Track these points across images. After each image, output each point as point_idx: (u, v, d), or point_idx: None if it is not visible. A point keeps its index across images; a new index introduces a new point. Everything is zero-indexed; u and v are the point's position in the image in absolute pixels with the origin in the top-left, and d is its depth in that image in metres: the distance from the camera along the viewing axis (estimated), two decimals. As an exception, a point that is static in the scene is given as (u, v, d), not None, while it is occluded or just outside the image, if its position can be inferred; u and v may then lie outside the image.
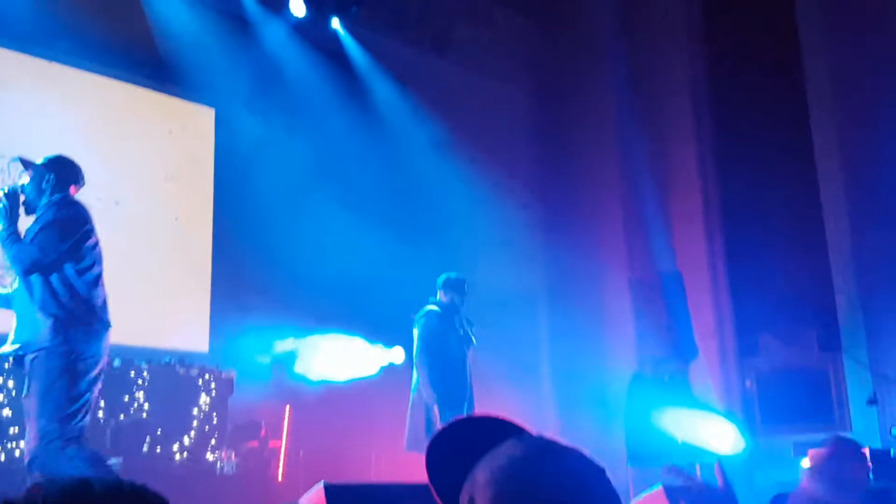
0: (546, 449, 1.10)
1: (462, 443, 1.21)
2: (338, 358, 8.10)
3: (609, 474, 1.11)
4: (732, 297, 8.78)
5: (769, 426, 8.29)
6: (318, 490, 3.27)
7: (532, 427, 1.26)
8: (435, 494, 1.23)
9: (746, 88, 9.04)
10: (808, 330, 8.22)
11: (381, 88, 9.02)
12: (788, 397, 8.27)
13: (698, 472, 6.82)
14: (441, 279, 6.41)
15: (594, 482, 1.07)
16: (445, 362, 6.14)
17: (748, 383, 8.55)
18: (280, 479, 7.19)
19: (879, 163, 7.92)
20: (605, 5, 9.54)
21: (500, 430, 1.21)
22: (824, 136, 8.43)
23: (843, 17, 8.35)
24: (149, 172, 8.16)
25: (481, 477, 1.08)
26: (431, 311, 6.28)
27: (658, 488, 4.62)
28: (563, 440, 1.12)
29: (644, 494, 4.68)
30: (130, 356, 6.39)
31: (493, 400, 8.07)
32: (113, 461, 5.64)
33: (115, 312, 6.68)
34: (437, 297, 6.39)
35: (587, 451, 1.12)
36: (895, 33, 7.96)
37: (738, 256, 8.86)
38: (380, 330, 8.48)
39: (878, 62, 8.08)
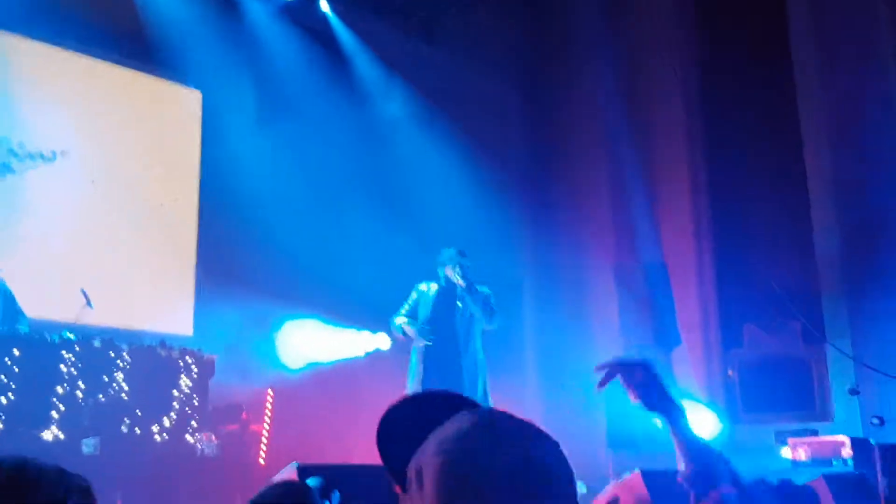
0: (495, 420, 1.08)
1: (415, 417, 1.19)
2: (322, 343, 8.10)
3: (565, 450, 1.09)
4: (717, 288, 8.78)
5: (751, 415, 8.32)
6: (290, 470, 3.27)
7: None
8: (384, 463, 1.22)
9: (736, 80, 9.02)
10: (793, 321, 8.23)
11: (369, 72, 8.98)
12: (771, 387, 8.29)
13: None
14: None
15: (545, 454, 1.05)
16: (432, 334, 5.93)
17: (730, 372, 8.56)
18: (262, 462, 7.19)
19: (867, 157, 7.93)
20: (592, -1, 9.51)
21: (454, 405, 1.19)
22: (813, 129, 8.42)
23: (833, 10, 8.34)
24: (134, 153, 8.12)
25: (429, 448, 1.06)
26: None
27: (635, 472, 4.63)
28: (517, 413, 1.10)
29: (621, 479, 4.70)
30: (111, 337, 6.37)
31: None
32: (91, 441, 5.64)
33: (95, 293, 6.70)
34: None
35: (540, 425, 1.10)
36: (884, 27, 7.95)
37: (725, 247, 8.86)
38: (366, 316, 8.46)
39: (867, 54, 8.07)
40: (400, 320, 6.09)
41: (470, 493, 1.01)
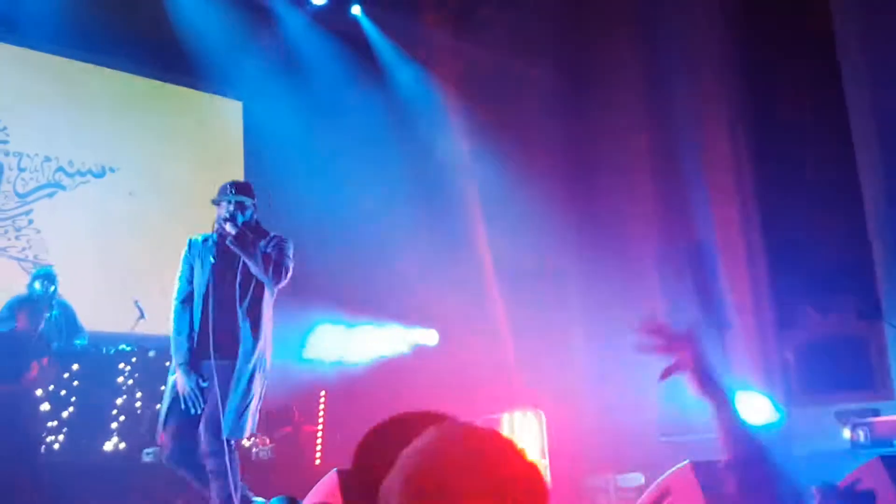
0: (457, 433, 1.11)
1: (390, 440, 1.23)
2: (369, 340, 8.19)
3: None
4: (769, 268, 8.61)
5: (809, 397, 8.15)
6: (330, 476, 3.32)
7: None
8: (362, 492, 1.26)
9: (780, 56, 8.82)
10: (847, 299, 8.04)
11: (405, 72, 9.01)
12: (829, 367, 8.11)
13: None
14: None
15: (507, 465, 1.08)
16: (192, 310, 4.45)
17: (787, 354, 8.41)
18: (319, 462, 7.31)
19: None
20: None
21: (426, 422, 1.23)
22: (859, 101, 8.19)
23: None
24: (180, 166, 8.29)
25: (395, 468, 1.10)
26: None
27: (686, 463, 4.59)
28: (483, 426, 1.12)
29: (672, 471, 4.66)
30: (165, 346, 6.52)
31: (528, 375, 8.09)
32: (151, 450, 5.81)
33: (149, 304, 6.88)
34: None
35: (504, 434, 1.13)
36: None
37: (774, 225, 8.68)
38: (413, 313, 8.54)
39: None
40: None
41: None
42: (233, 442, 4.27)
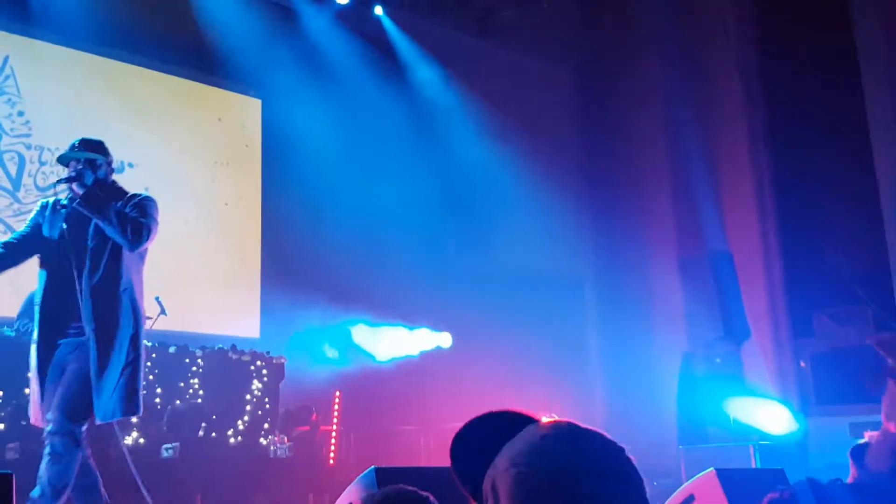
0: (564, 431, 1.12)
1: (485, 435, 1.25)
2: (384, 341, 8.20)
3: (630, 453, 1.13)
4: (785, 277, 8.61)
5: (824, 407, 8.14)
6: (368, 474, 3.31)
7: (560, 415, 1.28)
8: (458, 483, 1.27)
9: (798, 62, 8.81)
10: (864, 309, 8.03)
11: (425, 73, 9.03)
12: (844, 377, 8.10)
13: (752, 455, 6.74)
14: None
15: (613, 461, 1.09)
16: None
17: (802, 364, 8.40)
18: (332, 462, 7.31)
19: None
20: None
21: (522, 421, 1.24)
22: (879, 109, 8.19)
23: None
24: (198, 162, 8.30)
25: (502, 462, 1.11)
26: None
27: (710, 471, 4.58)
28: (582, 423, 1.14)
29: (696, 478, 4.65)
30: (184, 343, 6.53)
31: (541, 381, 8.09)
32: (171, 445, 5.81)
33: (168, 300, 6.88)
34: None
35: (604, 432, 1.14)
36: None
37: (791, 234, 8.68)
38: (427, 314, 8.54)
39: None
40: None
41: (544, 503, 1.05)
42: (82, 431, 3.85)
